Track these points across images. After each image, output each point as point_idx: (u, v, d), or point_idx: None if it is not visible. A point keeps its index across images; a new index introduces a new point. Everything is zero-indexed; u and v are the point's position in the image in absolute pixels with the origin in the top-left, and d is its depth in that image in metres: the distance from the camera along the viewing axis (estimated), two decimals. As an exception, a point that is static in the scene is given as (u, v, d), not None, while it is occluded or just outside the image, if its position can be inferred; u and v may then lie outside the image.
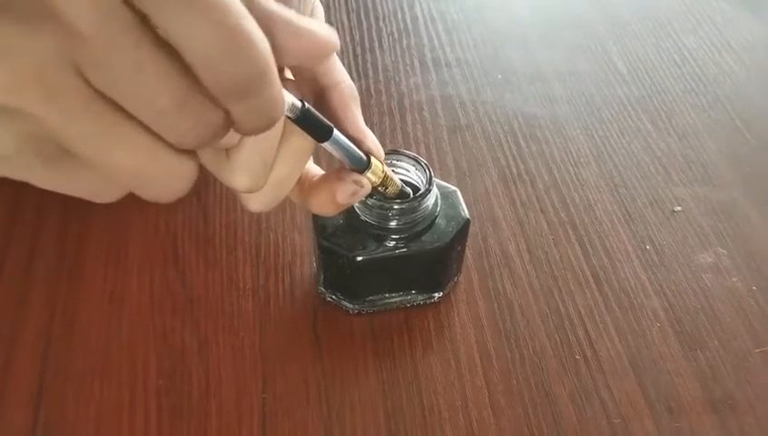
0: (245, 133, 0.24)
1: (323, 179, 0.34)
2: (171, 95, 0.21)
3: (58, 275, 0.43)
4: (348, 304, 0.42)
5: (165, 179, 0.23)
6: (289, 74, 0.33)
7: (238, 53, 0.20)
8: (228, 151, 0.29)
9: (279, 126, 0.29)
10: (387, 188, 0.36)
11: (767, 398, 0.39)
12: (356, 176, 0.34)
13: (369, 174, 0.34)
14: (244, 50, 0.20)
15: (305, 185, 0.34)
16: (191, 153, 0.24)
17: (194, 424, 0.37)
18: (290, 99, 0.27)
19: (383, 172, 0.35)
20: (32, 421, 0.37)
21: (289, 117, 0.28)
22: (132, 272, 0.43)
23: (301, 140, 0.30)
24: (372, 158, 0.34)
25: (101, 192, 0.25)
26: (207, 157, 0.31)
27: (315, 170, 0.35)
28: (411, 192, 0.38)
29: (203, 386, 0.38)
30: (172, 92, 0.21)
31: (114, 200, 0.25)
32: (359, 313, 0.42)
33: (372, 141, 0.34)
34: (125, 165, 0.22)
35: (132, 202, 0.47)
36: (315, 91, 0.33)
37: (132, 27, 0.20)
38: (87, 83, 0.20)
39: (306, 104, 0.28)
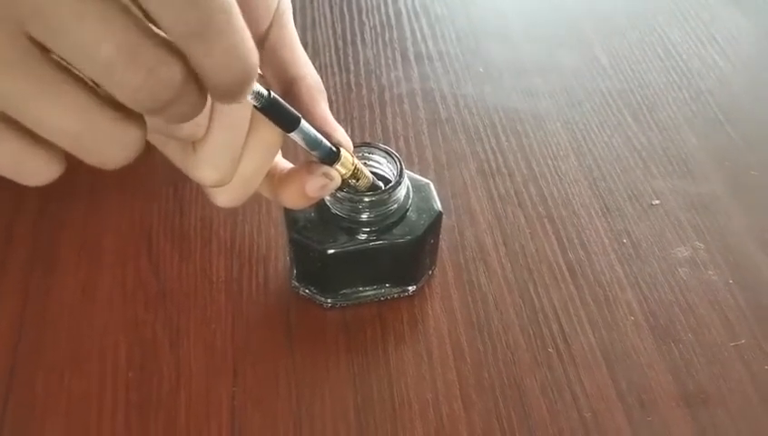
0: (217, 91, 0.23)
1: (292, 172, 0.34)
2: (117, 43, 0.19)
3: (31, 265, 0.43)
4: (321, 298, 0.41)
5: (107, 145, 0.22)
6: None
7: None
8: (194, 143, 0.29)
9: (245, 119, 0.29)
10: (358, 180, 0.36)
11: (740, 392, 0.39)
12: (325, 169, 0.33)
13: (338, 166, 0.34)
14: None
15: (275, 179, 0.34)
16: (137, 120, 0.22)
17: (163, 417, 0.37)
18: (256, 87, 0.27)
19: (353, 164, 0.35)
20: (0, 411, 0.37)
21: (255, 107, 0.28)
22: (105, 263, 0.43)
23: (269, 133, 0.30)
24: (342, 150, 0.34)
25: (29, 169, 0.22)
26: (173, 150, 0.31)
27: (284, 164, 0.35)
28: (383, 185, 0.38)
29: (173, 379, 0.38)
30: (119, 39, 0.19)
31: (45, 182, 0.22)
32: (332, 307, 0.41)
33: (341, 133, 0.34)
34: (63, 127, 0.21)
35: (108, 193, 0.47)
36: (281, 84, 0.33)
37: None
38: (24, 34, 0.19)
39: (272, 93, 0.28)
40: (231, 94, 0.23)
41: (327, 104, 0.34)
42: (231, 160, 0.30)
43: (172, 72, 0.21)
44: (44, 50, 0.20)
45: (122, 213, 0.46)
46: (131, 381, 0.38)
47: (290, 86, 0.33)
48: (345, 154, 0.34)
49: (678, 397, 0.38)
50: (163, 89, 0.21)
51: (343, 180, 0.35)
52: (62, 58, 0.20)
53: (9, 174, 0.22)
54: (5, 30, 0.19)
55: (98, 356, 0.39)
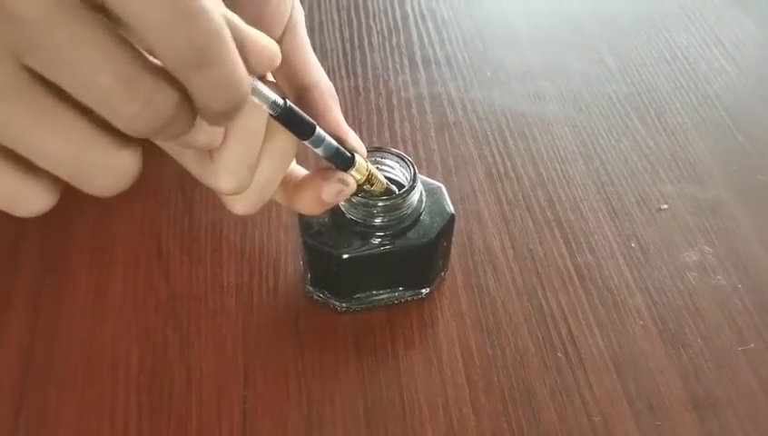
0: (210, 115, 0.23)
1: (308, 179, 0.34)
2: (114, 72, 0.20)
3: (43, 270, 0.43)
4: (335, 302, 0.42)
5: (103, 172, 0.22)
6: (270, 76, 0.33)
7: (190, 17, 0.20)
8: (211, 152, 0.29)
9: (261, 126, 0.29)
10: (372, 185, 0.36)
11: (749, 397, 0.39)
12: (341, 175, 0.34)
13: (353, 172, 0.34)
14: (196, 15, 0.20)
15: (289, 186, 0.34)
16: (132, 145, 0.23)
17: (174, 421, 0.37)
18: (272, 96, 0.27)
19: (367, 169, 0.35)
20: (14, 418, 0.37)
21: (272, 115, 0.28)
22: (116, 268, 0.43)
23: (285, 140, 0.30)
24: (357, 155, 0.34)
25: (24, 199, 0.22)
26: (189, 160, 0.31)
27: (299, 170, 0.35)
28: (396, 189, 0.38)
29: (184, 383, 0.39)
30: (116, 68, 0.20)
31: (39, 212, 0.23)
32: (346, 311, 0.42)
33: (355, 139, 0.34)
34: (60, 155, 0.21)
35: (117, 198, 0.47)
36: (294, 91, 0.33)
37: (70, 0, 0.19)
38: (22, 63, 0.20)
39: (288, 102, 0.28)
40: (223, 117, 0.24)
41: (339, 109, 0.34)
42: (248, 167, 0.30)
43: (168, 100, 0.21)
44: (41, 78, 0.20)
45: (131, 218, 0.46)
46: (142, 385, 0.38)
47: (303, 93, 0.33)
48: (359, 160, 0.34)
49: (687, 401, 0.38)
50: (159, 116, 0.21)
51: (358, 185, 0.35)
52: (59, 85, 0.20)
53: (3, 206, 0.22)
54: (2, 60, 0.19)
55: (110, 361, 0.39)
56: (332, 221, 0.39)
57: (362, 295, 0.42)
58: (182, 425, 0.37)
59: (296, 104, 0.29)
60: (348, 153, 0.33)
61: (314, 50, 0.58)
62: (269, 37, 0.25)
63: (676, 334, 0.41)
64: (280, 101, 0.27)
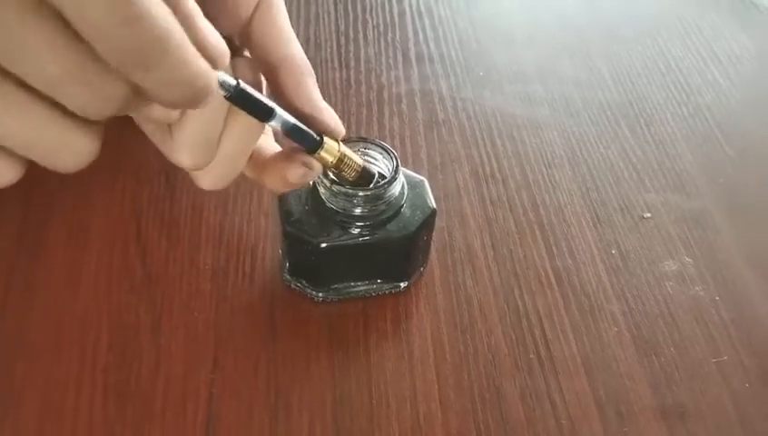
0: (167, 105, 0.24)
1: (274, 158, 0.34)
2: (61, 66, 0.21)
3: (19, 245, 0.43)
4: (312, 292, 0.41)
5: (61, 152, 0.23)
6: (248, 53, 0.33)
7: (130, 23, 0.20)
8: (171, 127, 0.29)
9: (221, 103, 0.28)
10: (345, 167, 0.35)
11: (719, 409, 0.39)
12: (306, 158, 0.33)
13: (323, 153, 0.33)
14: (136, 19, 0.20)
15: (258, 162, 0.34)
16: (90, 128, 0.23)
17: (140, 402, 0.37)
18: (222, 77, 0.26)
19: (339, 150, 0.34)
20: (-22, 390, 0.37)
21: (225, 96, 0.27)
22: (92, 247, 0.43)
23: (248, 118, 0.30)
24: (325, 138, 0.33)
25: None
26: (152, 132, 0.30)
27: (270, 146, 0.34)
28: (377, 171, 0.38)
29: (153, 364, 0.38)
30: (62, 62, 0.21)
31: (2, 185, 0.24)
32: (323, 301, 0.41)
33: (331, 117, 0.33)
34: (18, 135, 0.22)
35: (99, 178, 0.47)
36: (266, 67, 0.32)
37: None
38: None
39: (240, 83, 0.27)
40: (181, 107, 0.24)
41: (314, 84, 0.33)
42: (206, 144, 0.29)
43: (117, 91, 0.22)
44: None
45: (112, 197, 0.46)
46: (110, 364, 0.38)
47: (274, 69, 0.32)
48: (329, 142, 0.33)
49: (656, 409, 0.38)
50: (110, 105, 0.22)
51: (332, 166, 0.34)
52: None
53: None
54: None
55: (79, 339, 0.39)
56: (312, 209, 0.39)
57: (340, 286, 0.41)
58: (147, 405, 0.37)
59: (268, 80, 0.28)
60: (315, 136, 0.32)
61: (308, 40, 0.58)
62: (218, 36, 0.24)
63: (650, 342, 0.41)
64: (232, 82, 0.27)
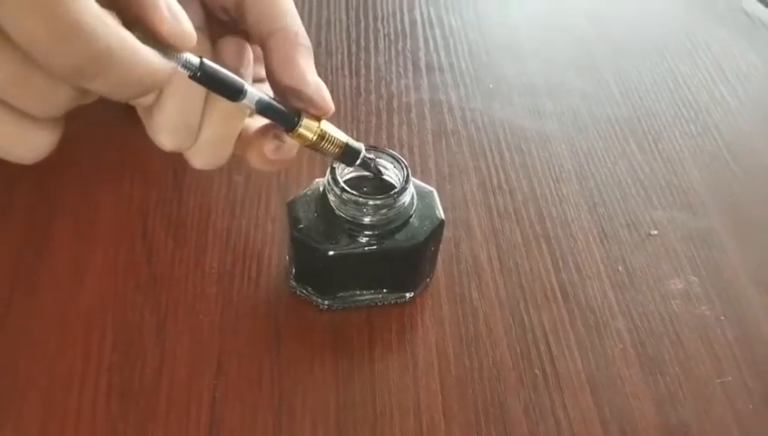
0: (121, 101, 0.24)
1: (252, 135, 0.33)
2: (3, 72, 0.21)
3: (25, 243, 0.43)
4: (318, 299, 0.41)
5: (17, 146, 0.24)
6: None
7: (66, 39, 0.20)
8: (152, 109, 0.28)
9: (196, 85, 0.28)
10: (327, 144, 0.34)
11: (723, 429, 0.39)
12: (276, 131, 0.32)
13: (302, 130, 0.32)
14: (74, 37, 0.20)
15: (243, 139, 0.33)
16: (46, 124, 0.24)
17: (143, 403, 0.37)
18: (185, 55, 0.25)
19: (319, 127, 0.33)
20: (-19, 386, 0.37)
21: (189, 76, 0.26)
22: (98, 245, 0.43)
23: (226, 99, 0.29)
24: (303, 116, 0.32)
25: None
26: (140, 111, 0.30)
27: (256, 124, 0.34)
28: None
29: (157, 365, 0.38)
30: (5, 69, 0.21)
31: None
32: (329, 309, 0.41)
33: (316, 91, 0.32)
34: None
35: (106, 176, 0.47)
36: (259, 41, 0.32)
37: None
38: None
39: (205, 62, 0.26)
40: (133, 99, 0.25)
41: (307, 58, 0.32)
42: (186, 126, 0.29)
43: (64, 94, 0.23)
44: None
45: (119, 196, 0.46)
46: (114, 363, 0.38)
47: (265, 42, 0.31)
48: (307, 120, 0.32)
49: (660, 428, 0.38)
50: (57, 105, 0.23)
51: (312, 143, 0.33)
52: None
53: None
54: None
55: (83, 337, 0.39)
56: (321, 216, 0.39)
57: (346, 294, 0.41)
58: (150, 406, 0.37)
59: (264, 57, 0.28)
60: (290, 114, 0.31)
61: (320, 46, 0.58)
62: (180, 17, 0.24)
63: (655, 360, 0.41)
64: (195, 60, 0.26)
